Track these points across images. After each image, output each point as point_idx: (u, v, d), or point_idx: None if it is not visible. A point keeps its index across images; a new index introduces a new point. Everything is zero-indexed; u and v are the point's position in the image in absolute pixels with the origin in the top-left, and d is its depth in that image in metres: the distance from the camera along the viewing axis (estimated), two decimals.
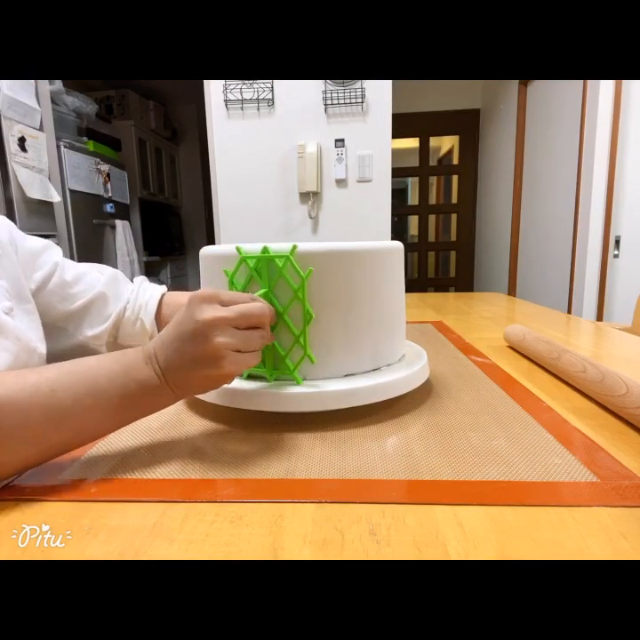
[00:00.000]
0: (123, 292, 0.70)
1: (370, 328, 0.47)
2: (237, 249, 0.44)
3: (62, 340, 0.63)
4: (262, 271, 0.43)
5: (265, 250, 0.43)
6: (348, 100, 2.08)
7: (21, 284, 0.55)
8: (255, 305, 0.39)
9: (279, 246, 0.43)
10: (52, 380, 0.34)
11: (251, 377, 0.47)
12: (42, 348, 0.54)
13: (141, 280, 0.75)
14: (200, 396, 0.47)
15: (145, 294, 0.72)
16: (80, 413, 0.35)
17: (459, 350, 0.74)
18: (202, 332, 0.36)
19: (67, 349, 0.64)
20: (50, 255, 0.61)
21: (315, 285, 0.44)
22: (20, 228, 0.60)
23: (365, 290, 0.47)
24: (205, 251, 0.50)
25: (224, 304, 0.38)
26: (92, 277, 0.66)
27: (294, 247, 0.42)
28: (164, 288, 0.75)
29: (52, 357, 0.56)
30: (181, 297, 0.71)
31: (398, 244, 0.51)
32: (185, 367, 0.37)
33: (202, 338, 0.36)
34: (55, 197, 1.94)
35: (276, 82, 2.09)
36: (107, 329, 0.65)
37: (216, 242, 2.27)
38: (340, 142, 2.13)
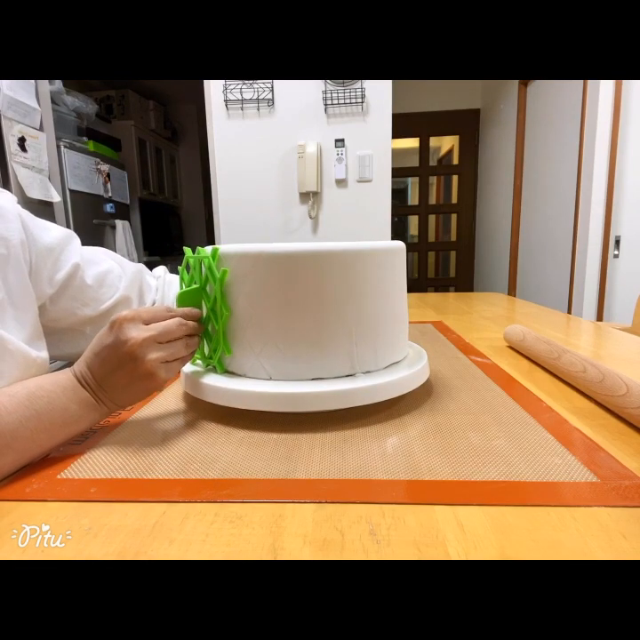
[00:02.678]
0: (146, 291, 0.66)
1: (371, 329, 0.47)
2: (185, 250, 0.50)
3: (81, 342, 0.59)
4: (196, 270, 0.48)
5: (199, 251, 0.48)
6: (348, 100, 2.08)
7: (25, 290, 0.50)
8: (173, 320, 0.43)
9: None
10: None
11: (249, 377, 0.47)
12: (43, 354, 0.50)
13: (163, 272, 0.72)
14: (199, 396, 0.48)
15: (171, 291, 0.69)
16: (25, 436, 0.36)
17: (459, 350, 0.74)
18: (132, 353, 0.40)
19: (83, 352, 0.61)
20: (70, 252, 0.57)
21: (315, 286, 0.44)
22: None
23: (367, 290, 0.46)
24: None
25: (145, 322, 0.42)
26: (114, 277, 0.62)
27: (216, 250, 0.46)
28: None
29: (68, 359, 0.55)
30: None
31: (400, 244, 0.51)
32: (120, 385, 0.41)
33: (133, 358, 0.40)
34: (55, 197, 1.94)
35: (276, 82, 2.09)
36: None
37: (216, 242, 2.26)
38: (340, 142, 2.13)
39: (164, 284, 0.70)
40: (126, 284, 0.62)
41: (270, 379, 0.47)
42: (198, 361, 0.53)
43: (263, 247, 0.44)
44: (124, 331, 0.40)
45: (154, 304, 0.68)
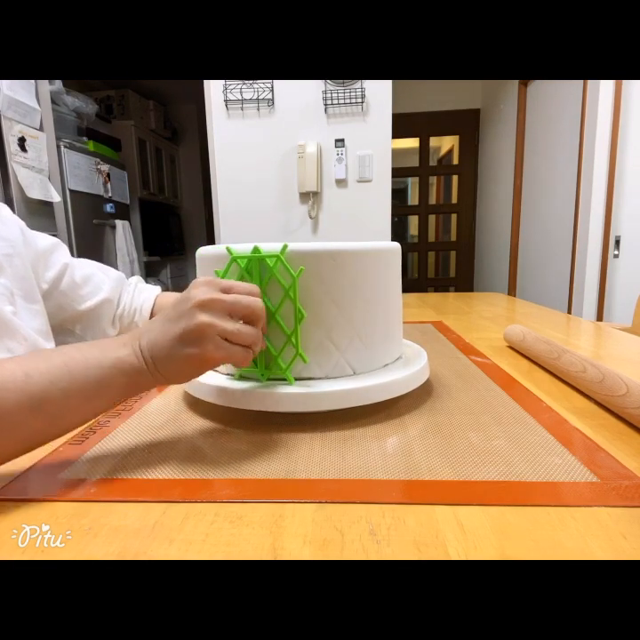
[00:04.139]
0: (123, 296, 0.73)
1: (365, 328, 0.47)
2: (228, 249, 0.44)
3: (70, 341, 0.66)
4: (253, 271, 0.43)
5: (256, 250, 0.43)
6: (348, 100, 2.08)
7: (31, 284, 0.56)
8: (251, 297, 0.39)
9: (270, 246, 0.43)
10: (29, 366, 0.33)
11: (244, 377, 0.47)
12: (50, 347, 0.56)
13: (137, 281, 0.77)
14: (199, 396, 0.48)
15: (140, 297, 0.75)
16: (56, 397, 0.33)
17: (459, 350, 0.74)
18: (190, 310, 0.36)
19: None
20: (59, 255, 0.64)
21: (309, 285, 0.44)
22: None
23: (361, 290, 0.47)
24: (202, 251, 0.50)
25: (223, 290, 0.38)
26: (99, 279, 0.68)
27: (285, 247, 0.42)
28: (158, 289, 0.78)
29: None
30: (174, 298, 0.73)
31: (395, 245, 0.51)
32: (167, 345, 0.36)
33: (189, 315, 0.36)
34: (55, 197, 1.94)
35: (276, 82, 2.09)
36: (115, 333, 0.70)
37: (216, 242, 2.26)
38: (340, 142, 2.13)
39: (134, 290, 0.75)
40: (109, 288, 0.69)
41: (354, 373, 0.48)
42: (223, 375, 0.48)
43: (346, 245, 0.45)
44: (196, 289, 0.37)
45: (125, 307, 0.73)
